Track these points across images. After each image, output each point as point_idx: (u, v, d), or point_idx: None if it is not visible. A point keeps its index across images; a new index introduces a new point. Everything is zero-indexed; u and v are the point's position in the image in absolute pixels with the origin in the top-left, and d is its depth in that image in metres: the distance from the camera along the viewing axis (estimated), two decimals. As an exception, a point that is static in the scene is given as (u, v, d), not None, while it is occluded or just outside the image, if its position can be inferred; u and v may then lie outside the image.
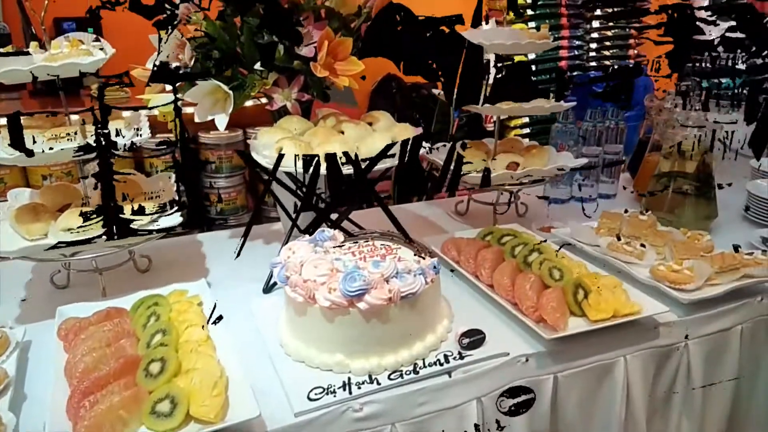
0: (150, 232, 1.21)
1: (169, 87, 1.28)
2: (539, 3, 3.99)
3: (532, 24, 4.06)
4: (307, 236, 1.17)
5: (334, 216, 1.29)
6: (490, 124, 3.63)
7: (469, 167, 1.58)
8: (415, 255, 1.14)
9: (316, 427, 0.95)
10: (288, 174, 1.23)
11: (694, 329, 1.25)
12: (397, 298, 1.00)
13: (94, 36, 1.25)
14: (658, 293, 1.27)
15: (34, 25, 1.35)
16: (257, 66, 1.34)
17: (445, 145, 1.55)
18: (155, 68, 1.18)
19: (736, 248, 1.37)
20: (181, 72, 1.20)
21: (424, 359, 1.05)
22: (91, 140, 1.19)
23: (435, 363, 1.04)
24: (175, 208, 1.26)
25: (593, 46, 4.35)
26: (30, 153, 1.08)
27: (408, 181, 1.34)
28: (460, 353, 1.06)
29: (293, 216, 1.29)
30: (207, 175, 2.79)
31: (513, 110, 1.52)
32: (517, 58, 1.60)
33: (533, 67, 4.02)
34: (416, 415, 1.01)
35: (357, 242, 1.22)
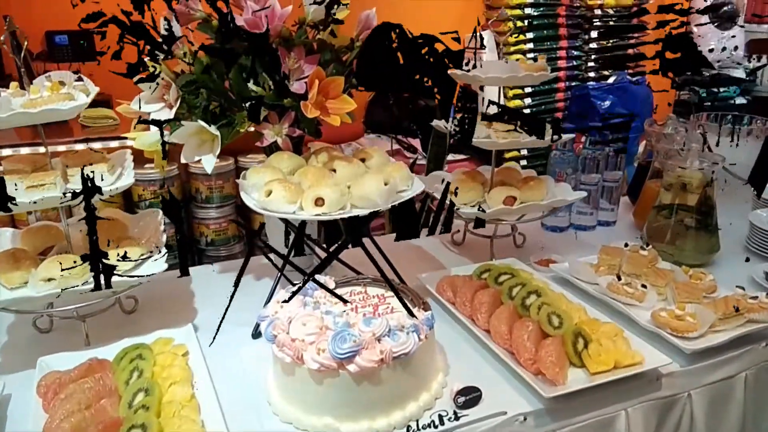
0: (135, 276, 1.17)
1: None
2: (537, 14, 3.96)
3: (530, 44, 4.02)
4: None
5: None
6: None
7: (464, 199, 1.54)
8: (407, 304, 1.10)
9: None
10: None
11: (698, 379, 1.21)
12: (389, 359, 0.96)
13: (77, 75, 1.21)
14: (659, 340, 1.23)
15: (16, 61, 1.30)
16: (247, 103, 1.30)
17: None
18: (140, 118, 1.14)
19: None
20: (164, 120, 1.16)
21: (417, 420, 1.00)
22: (73, 185, 1.15)
23: (429, 425, 1.00)
24: (162, 253, 1.22)
25: (592, 56, 4.32)
26: (9, 210, 1.04)
27: (403, 221, 1.30)
28: (455, 413, 1.02)
29: (285, 259, 1.25)
30: (197, 206, 2.68)
31: (510, 144, 1.47)
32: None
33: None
34: (409, 479, 0.97)
35: (349, 288, 1.19)
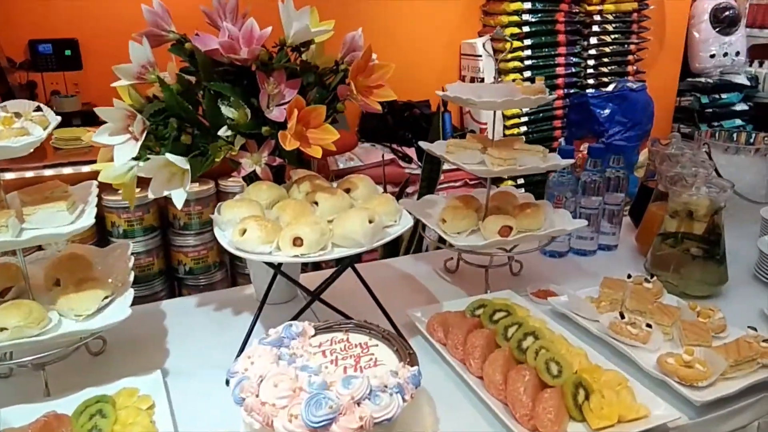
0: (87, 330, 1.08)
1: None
2: (534, 21, 3.86)
3: (527, 51, 3.93)
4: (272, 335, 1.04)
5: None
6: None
7: (457, 228, 1.46)
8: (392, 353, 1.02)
9: None
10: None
11: (708, 430, 1.12)
12: (370, 426, 0.87)
13: (36, 104, 1.12)
14: (665, 387, 1.14)
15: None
16: (222, 132, 1.21)
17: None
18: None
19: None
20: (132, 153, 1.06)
21: (402, 490, 0.91)
22: (29, 225, 1.06)
23: (414, 496, 0.91)
24: (126, 295, 1.13)
25: (591, 62, 4.23)
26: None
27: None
28: (443, 480, 0.93)
29: (260, 306, 1.16)
30: (175, 232, 2.51)
31: (507, 171, 1.38)
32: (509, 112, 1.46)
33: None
34: None
35: (330, 335, 1.10)
